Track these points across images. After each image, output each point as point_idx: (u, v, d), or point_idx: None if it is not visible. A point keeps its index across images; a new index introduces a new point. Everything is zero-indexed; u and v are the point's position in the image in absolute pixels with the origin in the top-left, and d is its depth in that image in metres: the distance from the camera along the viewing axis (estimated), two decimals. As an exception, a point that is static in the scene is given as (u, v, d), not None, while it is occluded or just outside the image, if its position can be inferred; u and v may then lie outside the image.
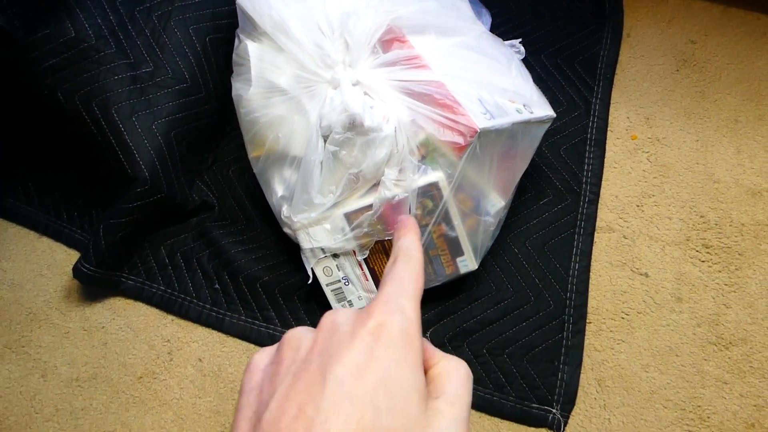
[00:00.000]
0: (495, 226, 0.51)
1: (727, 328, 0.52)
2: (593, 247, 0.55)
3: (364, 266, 0.50)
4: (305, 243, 0.49)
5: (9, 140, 0.61)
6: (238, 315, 0.55)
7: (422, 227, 0.48)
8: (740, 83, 0.62)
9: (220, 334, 0.54)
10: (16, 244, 0.59)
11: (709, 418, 0.49)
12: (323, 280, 0.50)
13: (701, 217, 0.56)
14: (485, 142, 0.45)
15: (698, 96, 0.62)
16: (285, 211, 0.50)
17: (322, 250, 0.49)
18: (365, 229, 0.48)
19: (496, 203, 0.50)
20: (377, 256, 0.49)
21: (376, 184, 0.47)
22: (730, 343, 0.51)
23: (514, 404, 0.50)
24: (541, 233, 0.56)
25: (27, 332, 0.55)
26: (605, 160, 0.59)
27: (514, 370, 0.51)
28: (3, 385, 0.53)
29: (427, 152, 0.46)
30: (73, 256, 0.58)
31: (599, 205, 0.57)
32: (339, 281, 0.50)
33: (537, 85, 0.53)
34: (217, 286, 0.56)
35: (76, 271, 0.53)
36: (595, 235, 0.56)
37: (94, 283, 0.54)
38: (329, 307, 0.52)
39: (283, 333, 0.54)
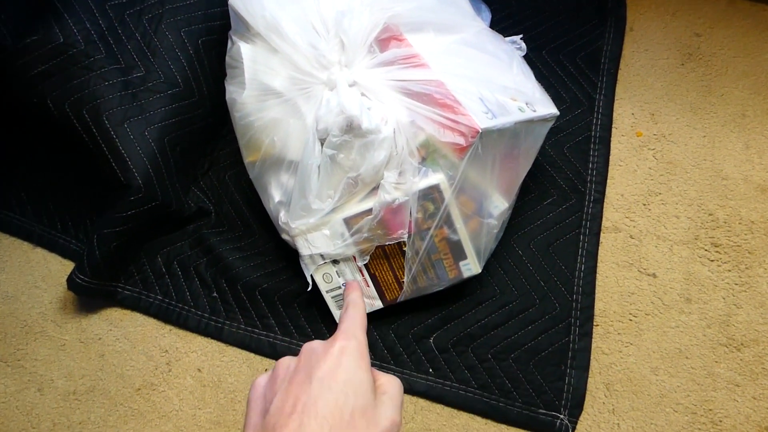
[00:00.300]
0: (498, 229, 0.50)
1: (738, 329, 0.50)
2: (599, 248, 0.54)
3: (365, 272, 0.49)
4: (304, 249, 0.48)
5: (0, 149, 0.60)
6: (237, 323, 0.54)
7: (424, 231, 0.46)
8: (747, 77, 0.60)
9: (219, 343, 0.53)
10: (10, 255, 0.58)
11: (721, 421, 0.47)
12: (323, 287, 0.49)
13: (710, 215, 0.55)
14: (487, 143, 0.44)
15: (704, 90, 0.60)
16: (282, 217, 0.48)
17: (322, 256, 0.48)
18: (365, 234, 0.47)
19: (499, 205, 0.49)
20: (378, 261, 0.48)
21: (376, 188, 0.46)
22: (742, 344, 0.50)
23: (521, 410, 0.49)
24: (545, 234, 0.55)
25: (22, 345, 0.54)
26: (610, 158, 0.58)
27: (519, 375, 0.50)
28: (-1, 400, 0.52)
29: (428, 154, 0.45)
30: (68, 266, 0.57)
31: (605, 205, 0.56)
32: (339, 288, 0.49)
33: (539, 82, 0.52)
34: (215, 294, 0.55)
35: (71, 282, 0.52)
36: (601, 235, 0.55)
37: (90, 294, 0.53)
38: (329, 314, 0.51)
39: (284, 340, 0.53)
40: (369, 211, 0.46)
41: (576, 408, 0.49)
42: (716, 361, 0.49)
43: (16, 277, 0.57)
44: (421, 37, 0.49)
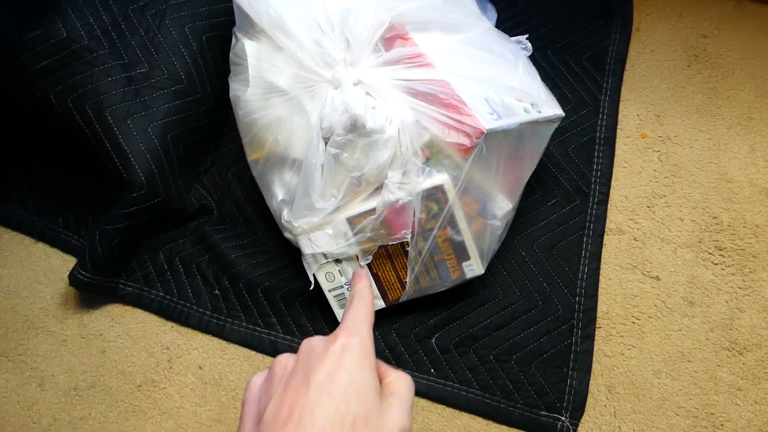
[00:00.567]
0: (502, 230, 0.50)
1: (741, 333, 0.50)
2: (603, 250, 0.54)
3: (368, 272, 0.49)
4: (306, 248, 0.48)
5: (3, 145, 0.59)
6: (239, 321, 0.53)
7: (427, 231, 0.46)
8: (754, 79, 0.60)
9: (220, 341, 0.53)
10: (12, 250, 0.58)
11: (722, 425, 0.47)
12: (325, 286, 0.49)
13: (714, 218, 0.54)
14: (492, 144, 0.44)
15: (710, 92, 0.60)
16: (285, 216, 0.48)
17: (324, 255, 0.48)
18: (368, 234, 0.46)
19: (503, 206, 0.48)
20: (381, 261, 0.48)
21: (379, 188, 0.46)
22: (744, 348, 0.50)
23: (522, 411, 0.49)
24: (549, 235, 0.55)
25: (24, 340, 0.54)
26: (615, 159, 0.57)
27: (521, 376, 0.50)
28: (0, 395, 0.52)
29: (432, 154, 0.45)
30: (70, 262, 0.57)
31: (609, 206, 0.56)
32: (342, 287, 0.49)
33: (544, 83, 0.51)
34: (217, 291, 0.55)
35: (72, 278, 0.52)
36: (605, 237, 0.54)
37: (91, 290, 0.53)
38: (331, 313, 0.50)
39: (285, 339, 0.53)
40: (372, 211, 0.46)
41: (577, 410, 0.49)
42: (718, 365, 0.49)
43: (17, 272, 0.57)
44: (427, 37, 0.48)
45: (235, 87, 0.50)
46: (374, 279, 0.49)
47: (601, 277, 0.53)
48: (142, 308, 0.55)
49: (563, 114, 0.50)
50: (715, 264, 0.53)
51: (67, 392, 0.52)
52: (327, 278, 0.49)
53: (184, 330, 0.54)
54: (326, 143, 0.45)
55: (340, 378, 0.27)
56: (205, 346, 0.53)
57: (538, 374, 0.50)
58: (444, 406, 0.50)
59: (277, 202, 0.49)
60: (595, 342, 0.51)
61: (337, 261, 0.48)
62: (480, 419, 0.49)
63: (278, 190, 0.49)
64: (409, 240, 0.46)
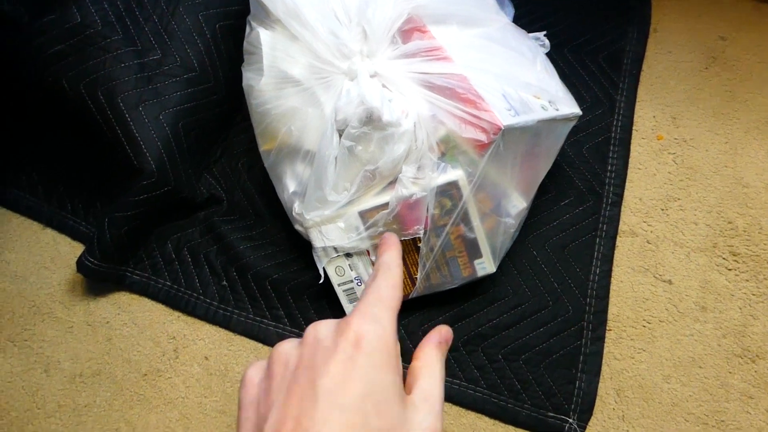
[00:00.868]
0: (515, 228, 0.49)
1: (754, 340, 0.50)
2: (615, 252, 0.53)
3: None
4: (317, 241, 0.47)
5: (13, 129, 0.59)
6: (246, 313, 0.53)
7: (440, 227, 0.46)
8: (772, 83, 0.59)
9: (227, 332, 0.53)
10: (20, 235, 0.58)
11: (732, 432, 0.47)
12: (335, 280, 0.49)
13: (729, 223, 0.54)
14: (509, 140, 0.43)
15: (727, 96, 0.59)
16: (297, 208, 0.48)
17: (335, 249, 0.47)
18: (380, 229, 0.46)
19: (517, 204, 0.48)
20: (391, 256, 0.48)
21: (393, 182, 0.45)
22: (757, 355, 0.49)
23: (530, 412, 0.48)
24: (561, 235, 0.54)
25: (30, 326, 0.54)
26: (629, 160, 0.57)
27: (530, 376, 0.50)
28: (5, 380, 0.52)
29: (447, 149, 0.44)
30: (78, 248, 0.57)
31: (622, 208, 0.55)
32: (351, 281, 0.49)
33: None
34: (224, 282, 0.54)
35: (80, 264, 0.51)
36: (618, 239, 0.54)
37: (99, 277, 0.52)
38: (340, 307, 0.50)
39: (293, 332, 0.52)
40: (385, 205, 0.45)
41: (585, 413, 0.48)
42: (730, 372, 0.49)
43: (25, 257, 0.57)
44: (445, 30, 0.48)
45: (248, 76, 0.50)
46: (384, 274, 0.48)
47: (612, 279, 0.52)
48: (149, 297, 0.54)
49: (580, 112, 0.49)
50: (729, 270, 0.52)
51: (72, 379, 0.52)
52: (337, 272, 0.48)
53: (190, 320, 0.53)
54: (340, 135, 0.45)
55: (354, 385, 0.22)
56: (212, 337, 0.53)
57: (547, 375, 0.49)
58: (450, 404, 0.49)
59: (289, 194, 0.49)
60: (605, 344, 0.50)
61: (348, 255, 0.48)
62: (486, 418, 0.49)
63: (290, 182, 0.49)
64: (421, 236, 0.46)
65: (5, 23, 0.51)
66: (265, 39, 0.48)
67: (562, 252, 0.53)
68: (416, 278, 0.48)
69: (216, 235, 0.55)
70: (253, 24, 0.49)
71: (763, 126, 0.57)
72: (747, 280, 0.52)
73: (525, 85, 0.47)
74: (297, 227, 0.49)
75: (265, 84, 0.48)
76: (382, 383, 0.22)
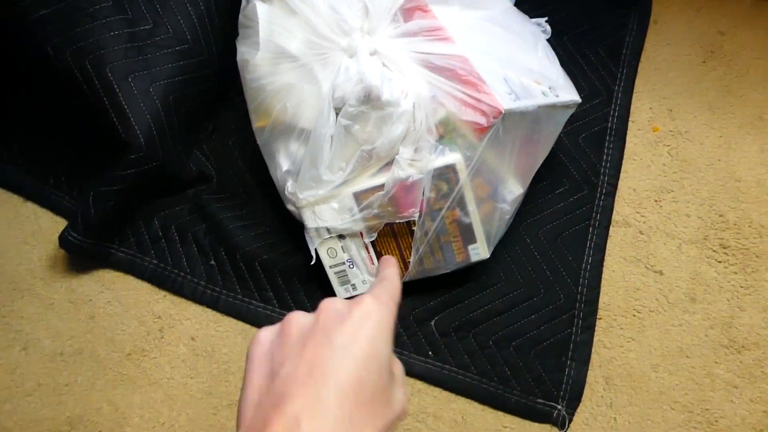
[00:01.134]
0: (511, 214, 0.49)
1: (740, 332, 0.50)
2: (608, 241, 0.53)
3: (371, 249, 0.47)
4: (310, 222, 0.46)
5: (-7, 95, 0.57)
6: (234, 294, 0.52)
7: (435, 211, 0.45)
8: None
9: (214, 312, 0.52)
10: (-1, 207, 0.56)
11: (716, 422, 0.47)
12: (327, 262, 0.48)
13: (720, 216, 0.54)
14: (509, 125, 0.43)
15: (724, 90, 0.59)
16: (290, 187, 0.47)
17: (328, 230, 0.46)
18: (375, 211, 0.45)
19: (514, 190, 0.47)
20: (385, 239, 0.47)
21: (389, 163, 0.44)
22: (743, 347, 0.50)
23: (519, 398, 0.48)
24: (554, 224, 0.54)
25: (8, 302, 0.52)
26: (625, 151, 0.57)
27: (520, 363, 0.50)
28: (-19, 356, 0.50)
29: (446, 132, 0.44)
30: (60, 223, 0.55)
31: (616, 198, 0.55)
32: (343, 264, 0.48)
33: (560, 68, 0.50)
34: (212, 262, 0.53)
35: (63, 240, 0.50)
36: (611, 228, 0.54)
37: (82, 253, 0.51)
38: (331, 290, 0.49)
39: (282, 314, 0.52)
40: (381, 187, 0.44)
41: (574, 400, 0.48)
42: (716, 362, 0.49)
43: (3, 232, 0.55)
44: (447, 10, 0.47)
45: (243, 50, 0.48)
46: (377, 257, 0.48)
47: (604, 268, 0.53)
48: (134, 275, 0.53)
49: (580, 100, 0.49)
50: (719, 262, 0.52)
51: (52, 357, 0.50)
52: (329, 254, 0.48)
53: (177, 300, 0.52)
54: (337, 114, 0.44)
55: (364, 345, 0.25)
56: (199, 317, 0.52)
57: (537, 362, 0.49)
58: (440, 390, 0.49)
59: (282, 173, 0.48)
60: (595, 333, 0.50)
61: (341, 237, 0.47)
62: (476, 404, 0.49)
63: (283, 161, 0.48)
64: (416, 219, 0.45)
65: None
66: (262, 12, 0.47)
67: (555, 240, 0.53)
68: (409, 262, 0.47)
69: (205, 213, 0.54)
70: (250, -4, 0.48)
71: (757, 122, 0.58)
72: (736, 273, 0.52)
73: (526, 70, 0.47)
74: (289, 207, 0.48)
75: (261, 59, 0.46)
76: (384, 351, 0.26)
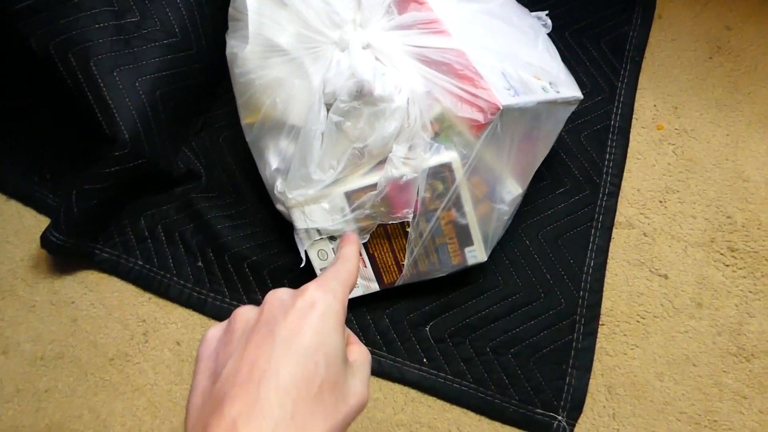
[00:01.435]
0: (509, 215, 0.47)
1: (750, 339, 0.48)
2: (610, 244, 0.51)
3: (363, 252, 0.46)
4: (300, 222, 0.44)
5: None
6: (222, 296, 0.50)
7: (430, 212, 0.43)
8: (777, 76, 0.57)
9: (201, 316, 0.50)
10: (-20, 206, 0.54)
11: (724, 433, 0.45)
12: (317, 264, 0.46)
13: (728, 217, 0.52)
14: (507, 122, 0.41)
15: (731, 87, 0.57)
16: (279, 186, 0.45)
17: (318, 231, 0.44)
18: (367, 211, 0.43)
19: (512, 190, 0.45)
20: (378, 241, 0.45)
21: (382, 162, 0.42)
22: (752, 354, 0.47)
23: (517, 408, 0.46)
24: (555, 225, 0.52)
25: (-12, 303, 0.50)
26: (628, 150, 0.55)
27: (518, 371, 0.47)
28: (-41, 360, 0.48)
29: (442, 129, 0.42)
30: (44, 222, 0.53)
31: (619, 199, 0.53)
32: (335, 266, 0.46)
33: (561, 64, 0.48)
34: (200, 263, 0.51)
35: (45, 240, 0.48)
36: (614, 230, 0.52)
37: (65, 253, 0.49)
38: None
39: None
40: (373, 186, 0.42)
41: (575, 410, 0.46)
42: (724, 371, 0.47)
43: (-15, 230, 0.53)
44: (443, 2, 0.45)
45: (232, 44, 0.47)
46: (370, 260, 0.46)
47: (607, 272, 0.51)
48: (118, 276, 0.51)
49: (581, 96, 0.47)
50: (727, 265, 0.50)
51: (32, 362, 0.48)
52: (319, 256, 0.46)
53: (162, 302, 0.50)
54: (328, 110, 0.42)
55: (308, 337, 0.24)
56: (185, 321, 0.50)
57: (536, 370, 0.47)
58: (435, 398, 0.47)
59: (271, 171, 0.46)
60: (598, 340, 0.48)
61: (332, 238, 0.45)
62: (472, 414, 0.47)
63: (272, 158, 0.46)
64: (410, 220, 0.43)
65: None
66: (251, 4, 0.45)
67: (555, 242, 0.51)
68: (403, 265, 0.45)
69: (193, 212, 0.52)
70: (239, -12, 0.46)
71: (765, 119, 0.56)
72: (744, 277, 0.50)
73: (525, 65, 0.45)
74: (279, 207, 0.46)
75: (250, 52, 0.45)
76: (331, 341, 0.25)
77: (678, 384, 0.47)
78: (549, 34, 0.50)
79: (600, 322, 0.49)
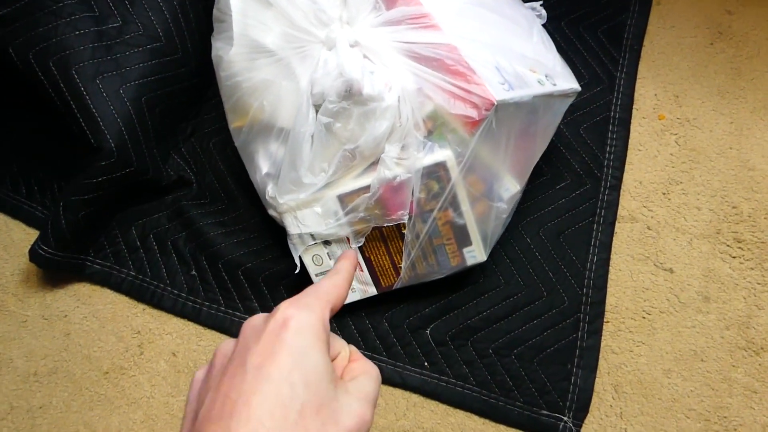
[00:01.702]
0: (508, 213, 0.45)
1: (759, 332, 0.47)
2: (614, 239, 0.50)
3: (359, 255, 0.44)
4: (292, 228, 0.43)
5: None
6: (217, 305, 0.49)
7: (426, 213, 0.42)
8: (780, 60, 0.56)
9: (196, 325, 0.49)
10: (-31, 220, 0.53)
11: (735, 430, 0.44)
12: (312, 270, 0.45)
13: (733, 207, 0.51)
14: (502, 117, 0.39)
15: (733, 73, 0.56)
16: (270, 191, 0.44)
17: (312, 236, 0.43)
18: (361, 214, 0.42)
19: (510, 188, 0.44)
20: (374, 244, 0.44)
21: (375, 163, 0.41)
22: (762, 348, 0.46)
23: (522, 410, 0.45)
24: (556, 221, 0.50)
25: (-21, 319, 0.49)
26: (629, 141, 0.53)
27: (522, 372, 0.46)
28: (-48, 378, 0.48)
29: (435, 127, 0.41)
30: (33, 235, 0.52)
31: (621, 192, 0.52)
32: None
33: (558, 55, 0.47)
34: (194, 272, 0.50)
35: (33, 253, 0.47)
36: (616, 225, 0.51)
37: (54, 267, 0.48)
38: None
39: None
40: (366, 188, 0.41)
41: (581, 410, 0.45)
42: (733, 366, 0.46)
43: (-26, 245, 0.52)
44: (433, -5, 0.43)
45: (217, 46, 0.45)
46: (366, 264, 0.45)
47: (610, 267, 0.49)
48: (111, 288, 0.50)
49: (579, 88, 0.45)
50: (734, 257, 0.49)
51: (26, 378, 0.47)
52: (314, 261, 0.45)
53: (156, 313, 0.49)
54: (317, 111, 0.41)
55: (281, 359, 0.23)
56: (180, 331, 0.49)
57: (540, 371, 0.46)
58: (437, 402, 0.46)
59: (261, 176, 0.45)
60: (603, 337, 0.47)
61: (326, 243, 0.44)
62: (476, 417, 0.46)
63: (262, 163, 0.45)
64: (405, 222, 0.42)
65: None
66: (235, 5, 0.44)
67: (557, 239, 0.50)
68: (400, 267, 0.44)
69: (185, 220, 0.51)
70: (223, -12, 0.45)
71: (770, 105, 0.54)
72: (752, 269, 0.49)
73: (520, 58, 0.43)
74: (271, 212, 0.45)
75: (235, 54, 0.43)
76: (310, 360, 0.23)
77: (686, 380, 0.46)
78: (544, 25, 0.49)
79: (605, 320, 0.48)
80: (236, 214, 0.52)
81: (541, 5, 0.49)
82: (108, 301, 0.50)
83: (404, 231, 0.43)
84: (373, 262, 0.45)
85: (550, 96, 0.43)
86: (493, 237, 0.45)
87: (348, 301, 0.45)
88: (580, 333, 0.47)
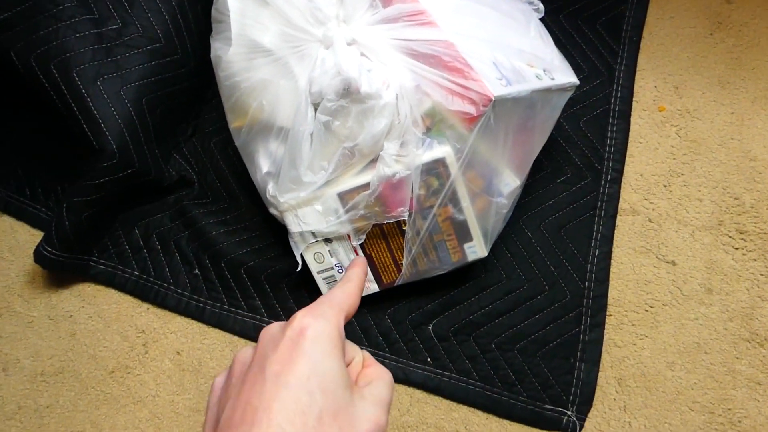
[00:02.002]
0: (508, 209, 0.45)
1: (763, 324, 0.47)
2: (615, 232, 0.50)
3: (360, 252, 0.45)
4: (293, 226, 0.43)
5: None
6: (220, 304, 0.49)
7: (426, 209, 0.42)
8: (782, 49, 0.55)
9: (200, 324, 0.49)
10: (-26, 223, 0.54)
11: (740, 422, 0.44)
12: (314, 267, 0.45)
13: (735, 199, 0.50)
14: (500, 113, 0.39)
15: (734, 63, 0.55)
16: (270, 190, 0.44)
17: (313, 234, 0.43)
18: (361, 211, 0.42)
19: (510, 183, 0.44)
20: (374, 241, 0.44)
21: (374, 160, 0.41)
22: (766, 339, 0.46)
23: (525, 405, 0.45)
24: (557, 215, 0.50)
25: (-14, 321, 0.50)
26: (630, 134, 0.53)
27: (525, 367, 0.46)
28: (-39, 379, 0.48)
29: (433, 123, 0.41)
30: (38, 237, 0.52)
31: (622, 185, 0.51)
32: (332, 268, 0.45)
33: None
34: (197, 271, 0.50)
35: (38, 255, 0.47)
36: (618, 218, 0.50)
37: (59, 268, 0.49)
38: (320, 296, 0.46)
39: (270, 323, 0.49)
40: (366, 186, 0.41)
41: (585, 404, 0.45)
42: (737, 357, 0.46)
43: (-20, 248, 0.53)
44: (430, -8, 0.43)
45: (216, 47, 0.45)
46: (367, 261, 0.45)
47: (612, 261, 0.49)
48: (115, 288, 0.50)
49: (578, 82, 0.45)
50: (736, 249, 0.49)
51: (33, 378, 0.48)
52: (316, 259, 0.45)
53: (161, 312, 0.50)
54: (316, 110, 0.41)
55: (299, 367, 0.23)
56: (184, 330, 0.49)
57: (543, 365, 0.46)
58: (441, 398, 0.46)
59: (262, 175, 0.45)
60: (605, 331, 0.47)
61: (327, 240, 0.44)
62: (479, 412, 0.46)
63: (263, 162, 0.45)
64: (406, 218, 0.42)
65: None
66: (233, 5, 0.44)
67: (558, 233, 0.50)
68: (402, 264, 0.44)
69: (187, 220, 0.52)
70: (221, -11, 0.45)
71: (771, 95, 0.54)
72: (755, 260, 0.48)
73: (518, 53, 0.43)
74: (272, 211, 0.45)
75: (234, 54, 0.44)
76: (326, 367, 0.24)
77: (690, 373, 0.46)
78: (542, 18, 0.49)
79: (607, 313, 0.48)
80: (238, 213, 0.52)
81: (538, -1, 0.49)
82: (112, 301, 0.50)
83: (405, 228, 0.43)
84: (375, 259, 0.45)
85: (548, 90, 0.43)
86: (493, 232, 0.45)
87: (350, 298, 0.46)
88: (582, 327, 0.47)
